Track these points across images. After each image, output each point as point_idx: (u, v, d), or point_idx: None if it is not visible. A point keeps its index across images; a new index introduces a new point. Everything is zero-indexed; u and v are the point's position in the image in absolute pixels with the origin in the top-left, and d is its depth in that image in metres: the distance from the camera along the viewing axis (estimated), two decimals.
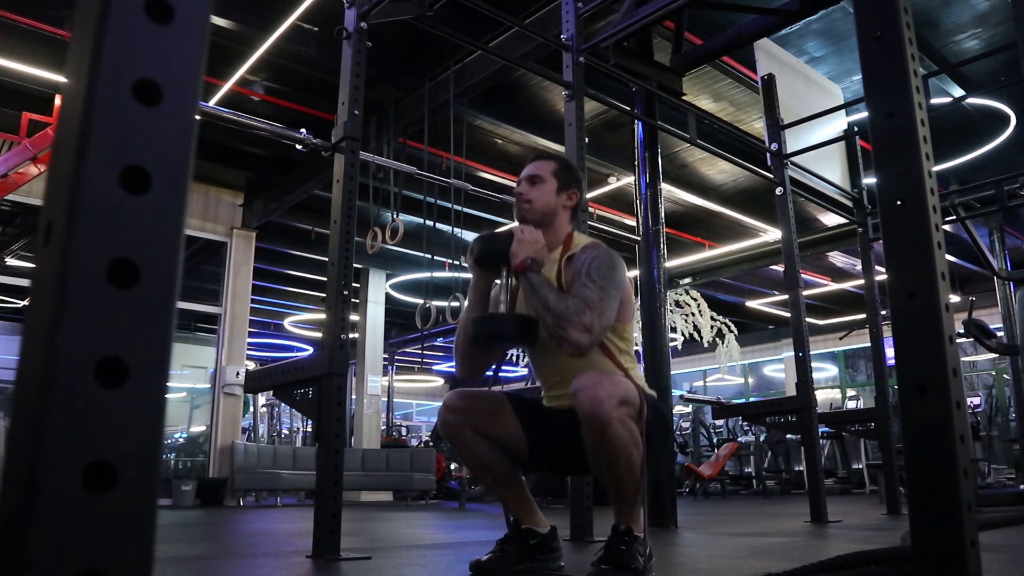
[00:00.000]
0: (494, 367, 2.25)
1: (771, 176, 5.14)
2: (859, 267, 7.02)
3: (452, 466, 10.57)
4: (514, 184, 2.23)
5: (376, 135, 6.83)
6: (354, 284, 5.48)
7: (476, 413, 2.05)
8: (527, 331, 1.97)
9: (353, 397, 11.03)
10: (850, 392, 14.56)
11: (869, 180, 6.11)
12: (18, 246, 8.86)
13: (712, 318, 11.12)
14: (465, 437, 2.04)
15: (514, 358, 11.48)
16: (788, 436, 10.45)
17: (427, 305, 6.17)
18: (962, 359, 11.55)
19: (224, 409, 8.59)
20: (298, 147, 3.36)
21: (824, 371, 15.43)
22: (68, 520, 0.43)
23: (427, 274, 6.88)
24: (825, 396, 13.72)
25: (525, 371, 12.33)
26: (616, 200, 8.92)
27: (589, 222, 4.07)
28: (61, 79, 5.76)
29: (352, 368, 10.89)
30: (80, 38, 0.50)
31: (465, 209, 6.40)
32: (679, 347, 11.15)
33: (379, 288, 11.37)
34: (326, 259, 2.96)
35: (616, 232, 5.66)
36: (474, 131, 7.33)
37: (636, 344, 5.99)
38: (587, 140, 3.90)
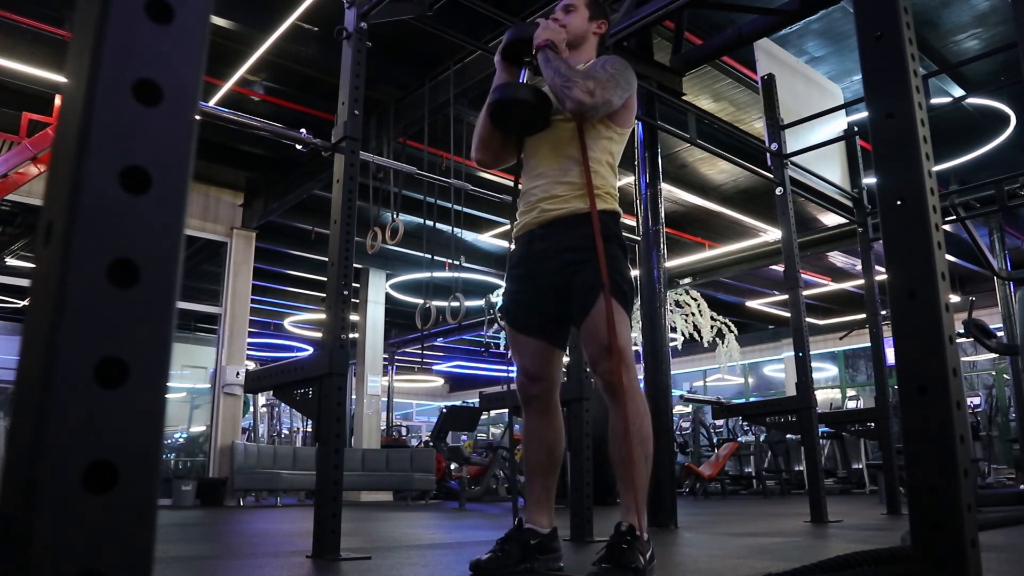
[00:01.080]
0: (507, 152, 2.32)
1: (771, 176, 5.14)
2: (859, 267, 7.02)
3: (452, 466, 10.57)
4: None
5: (376, 135, 6.83)
6: (354, 284, 5.47)
7: (548, 372, 2.17)
8: (540, 102, 2.12)
9: (353, 397, 11.02)
10: (850, 392, 14.55)
11: (869, 180, 6.11)
12: (18, 246, 8.86)
13: (712, 318, 11.12)
14: (551, 404, 2.19)
15: (507, 357, 11.46)
16: (788, 436, 10.44)
17: (427, 305, 6.17)
18: (962, 359, 11.55)
19: (224, 409, 8.59)
20: (298, 147, 3.35)
21: (824, 371, 15.43)
22: (68, 520, 0.43)
23: (427, 274, 6.88)
24: (825, 396, 13.72)
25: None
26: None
27: None
28: (61, 79, 5.76)
29: (352, 368, 10.89)
30: (80, 38, 0.50)
31: (465, 209, 6.40)
32: (679, 347, 11.16)
33: (379, 288, 11.37)
34: (326, 259, 2.96)
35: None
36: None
37: (636, 344, 6.00)
38: None
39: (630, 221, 4.98)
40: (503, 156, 2.34)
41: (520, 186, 2.26)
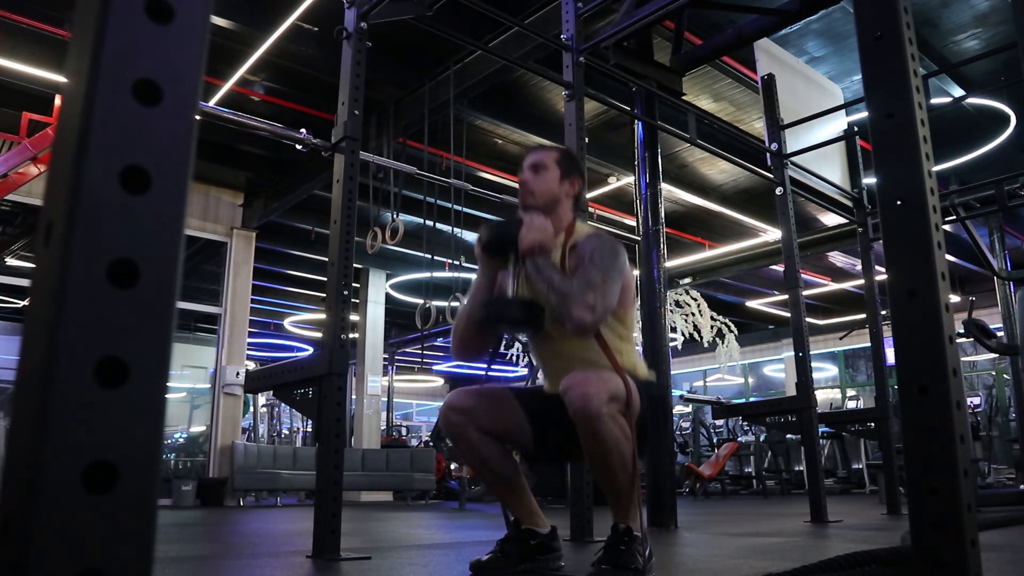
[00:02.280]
0: (488, 357, 2.24)
1: (771, 176, 5.14)
2: (859, 267, 7.02)
3: (452, 466, 10.57)
4: (513, 184, 2.25)
5: (376, 135, 6.83)
6: (354, 284, 5.47)
7: (481, 410, 2.05)
8: (532, 315, 1.99)
9: (353, 397, 11.02)
10: (850, 392, 14.55)
11: (869, 180, 6.11)
12: (18, 246, 8.86)
13: (712, 318, 11.12)
14: (470, 437, 2.04)
15: (514, 358, 11.49)
16: (788, 436, 10.44)
17: (427, 305, 6.17)
18: (962, 359, 11.55)
19: (224, 409, 8.59)
20: (298, 147, 3.35)
21: (824, 371, 15.43)
22: (68, 520, 0.43)
23: (427, 274, 6.88)
24: (825, 396, 13.72)
25: (525, 371, 12.33)
26: (616, 200, 8.92)
27: (589, 222, 4.07)
28: (61, 79, 5.76)
29: (352, 368, 10.89)
30: (80, 38, 0.50)
31: (465, 209, 6.40)
32: (679, 347, 11.15)
33: (379, 288, 11.37)
34: (326, 259, 2.96)
35: (616, 232, 5.66)
36: (474, 131, 7.33)
37: (636, 344, 5.99)
38: (587, 140, 3.89)
39: (630, 221, 4.98)
40: (487, 347, 2.24)
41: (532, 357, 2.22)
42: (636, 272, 4.77)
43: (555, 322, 1.97)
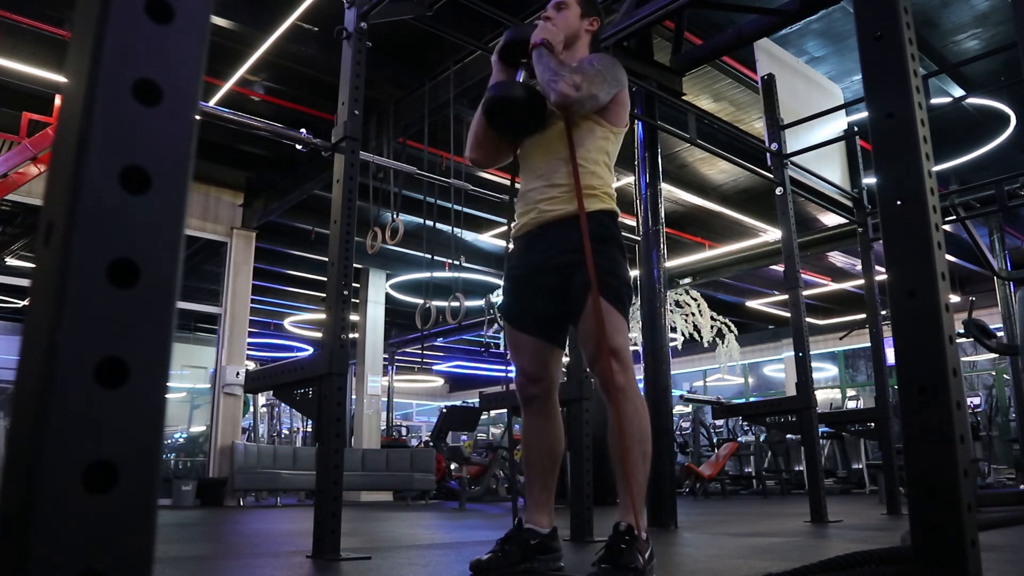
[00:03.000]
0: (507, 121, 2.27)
1: (771, 176, 5.14)
2: (859, 267, 7.02)
3: (452, 466, 10.57)
4: (511, 183, 2.28)
5: (376, 135, 6.83)
6: (354, 284, 5.47)
7: (548, 372, 2.17)
8: (534, 100, 2.12)
9: (353, 397, 11.02)
10: (850, 392, 14.55)
11: (869, 180, 6.11)
12: (18, 246, 8.86)
13: (712, 318, 11.12)
14: (549, 408, 2.17)
15: (507, 358, 11.46)
16: (788, 436, 10.44)
17: (427, 305, 6.17)
18: (962, 359, 11.55)
19: (224, 409, 8.59)
20: (298, 147, 3.35)
21: (824, 371, 15.43)
22: (68, 520, 0.43)
23: (427, 274, 6.88)
24: (825, 396, 13.71)
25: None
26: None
27: None
28: (61, 79, 5.76)
29: (352, 368, 10.89)
30: (80, 38, 0.50)
31: (465, 209, 6.40)
32: (679, 347, 11.15)
33: (379, 288, 11.37)
34: (326, 259, 2.96)
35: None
36: None
37: (636, 344, 6.00)
38: None
39: (630, 221, 4.98)
40: (498, 156, 2.34)
41: (518, 185, 2.26)
42: (636, 272, 4.78)
43: (550, 112, 2.13)
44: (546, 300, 2.14)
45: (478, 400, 4.22)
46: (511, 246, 2.29)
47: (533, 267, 2.15)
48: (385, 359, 13.26)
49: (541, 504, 2.13)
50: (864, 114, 3.50)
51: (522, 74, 2.22)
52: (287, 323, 14.55)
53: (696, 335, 11.04)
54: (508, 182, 2.41)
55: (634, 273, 4.76)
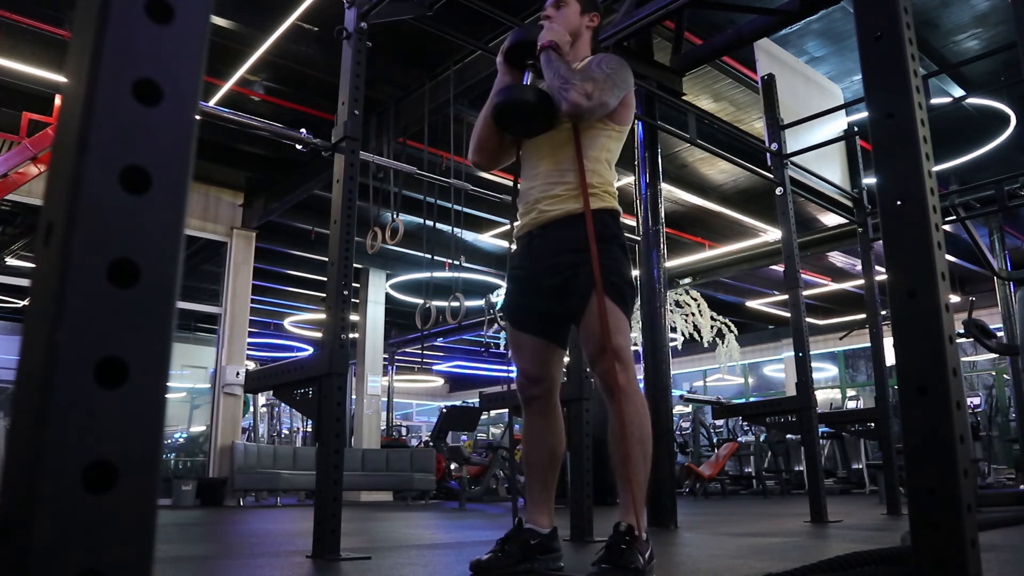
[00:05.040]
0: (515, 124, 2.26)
1: (771, 176, 5.14)
2: (859, 267, 7.02)
3: (452, 466, 10.57)
4: (513, 184, 2.27)
5: (376, 135, 6.83)
6: (354, 284, 5.47)
7: (549, 372, 2.18)
8: (544, 104, 2.10)
9: (353, 397, 11.02)
10: (850, 392, 14.55)
11: (869, 180, 6.11)
12: (18, 246, 8.86)
13: (712, 318, 11.12)
14: (552, 404, 2.18)
15: (507, 358, 11.46)
16: (788, 436, 10.44)
17: (427, 305, 6.17)
18: (962, 359, 11.55)
19: (224, 409, 8.59)
20: (298, 147, 3.35)
21: (824, 371, 15.43)
22: (68, 520, 0.43)
23: (427, 274, 6.88)
24: (825, 396, 13.71)
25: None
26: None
27: None
28: (61, 79, 5.75)
29: (352, 368, 10.89)
30: (80, 38, 0.50)
31: (465, 209, 6.40)
32: (679, 347, 11.15)
33: (379, 288, 11.36)
34: (326, 259, 2.96)
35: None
36: None
37: (636, 344, 6.00)
38: None
39: (630, 221, 4.98)
40: (500, 158, 2.34)
41: (520, 186, 2.26)
42: (636, 272, 4.78)
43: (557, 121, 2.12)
44: (547, 300, 2.14)
45: (478, 400, 4.22)
46: (514, 247, 2.30)
47: (534, 267, 2.15)
48: (385, 359, 13.26)
49: (541, 504, 2.14)
50: (864, 114, 3.50)
51: (529, 76, 2.21)
52: (287, 323, 14.55)
53: (696, 335, 11.04)
54: (508, 182, 2.41)
55: (634, 273, 4.76)
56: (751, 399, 15.04)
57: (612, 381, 1.96)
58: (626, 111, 2.20)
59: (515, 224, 2.28)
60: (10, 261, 9.02)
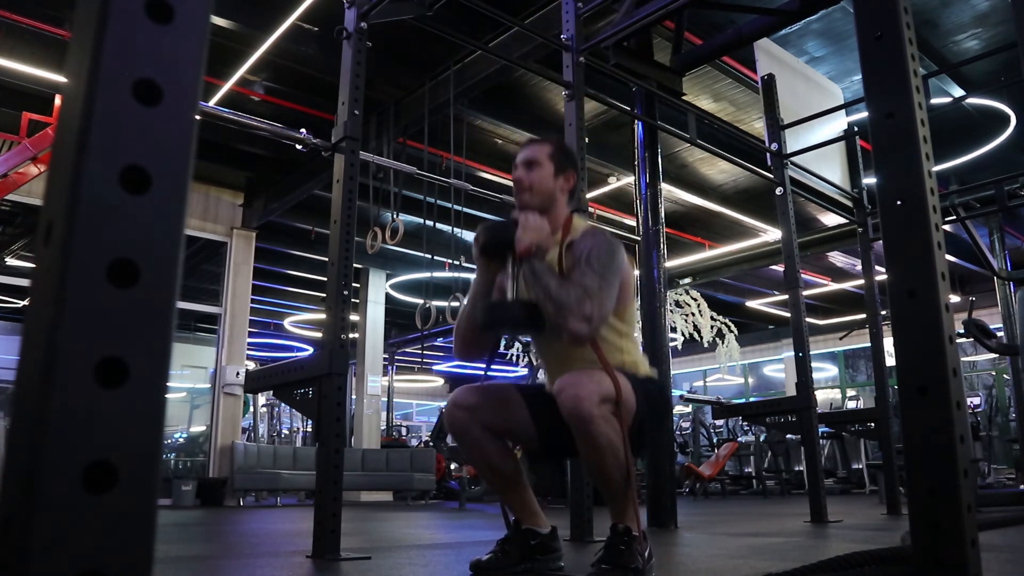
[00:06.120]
0: (488, 357, 2.24)
1: (771, 176, 5.14)
2: (859, 267, 7.02)
3: (452, 466, 10.57)
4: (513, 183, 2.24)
5: (376, 135, 6.83)
6: (354, 284, 5.47)
7: (486, 407, 2.05)
8: (533, 318, 1.97)
9: (353, 397, 11.03)
10: (850, 392, 14.55)
11: (869, 180, 6.10)
12: (18, 246, 8.86)
13: (712, 318, 11.12)
14: (473, 434, 2.04)
15: (513, 358, 11.48)
16: (788, 436, 10.44)
17: (427, 305, 6.17)
18: (962, 359, 11.55)
19: (224, 409, 8.59)
20: (298, 147, 3.35)
21: (824, 371, 15.43)
22: (68, 520, 0.43)
23: (427, 274, 6.88)
24: (825, 396, 13.72)
25: (525, 371, 12.33)
26: (616, 200, 8.92)
27: (588, 222, 4.06)
28: (61, 79, 5.76)
29: (352, 368, 10.89)
30: (80, 38, 0.50)
31: (465, 209, 6.40)
32: (679, 347, 11.15)
33: (379, 288, 11.37)
34: (326, 259, 2.96)
35: (616, 232, 5.66)
36: (474, 131, 7.33)
37: (637, 340, 5.97)
38: (587, 140, 3.89)
39: (630, 221, 4.98)
40: (490, 346, 2.23)
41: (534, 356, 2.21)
42: (636, 273, 4.77)
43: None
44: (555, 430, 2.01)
45: None
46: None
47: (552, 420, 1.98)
48: (385, 359, 13.26)
49: (527, 511, 2.11)
50: (864, 114, 3.51)
51: (509, 273, 2.04)
52: (287, 323, 14.55)
53: (696, 335, 11.04)
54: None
55: (634, 273, 4.76)
56: (751, 399, 15.05)
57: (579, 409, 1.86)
58: (625, 291, 2.05)
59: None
60: (10, 261, 9.02)
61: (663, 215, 4.77)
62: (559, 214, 2.12)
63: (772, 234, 9.35)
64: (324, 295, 2.99)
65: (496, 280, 2.14)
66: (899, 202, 1.14)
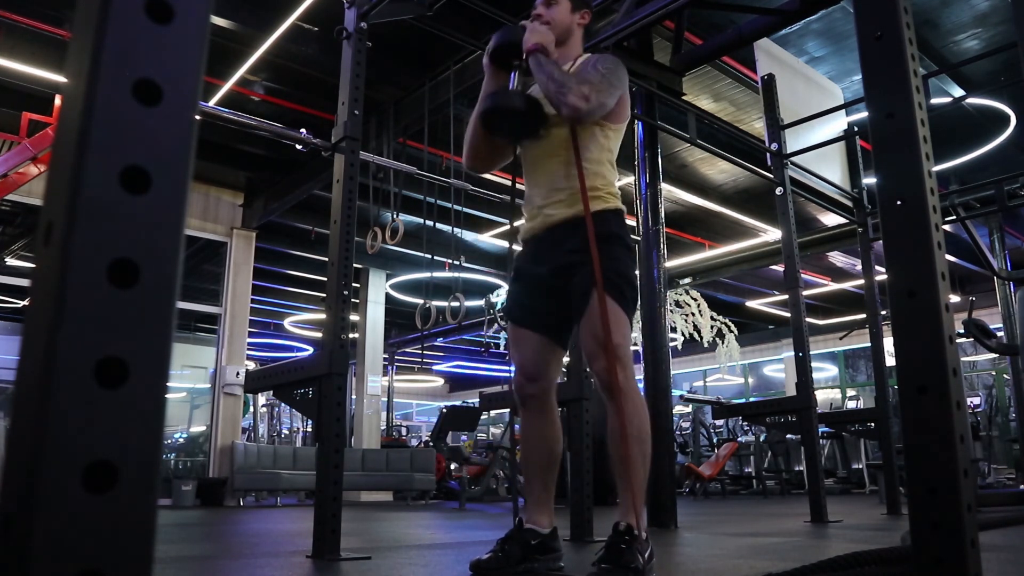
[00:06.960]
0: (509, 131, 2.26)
1: (771, 176, 5.14)
2: (859, 267, 7.02)
3: (452, 466, 10.57)
4: (512, 183, 2.27)
5: (376, 135, 6.83)
6: (354, 284, 5.47)
7: (547, 371, 2.17)
8: (533, 109, 2.08)
9: (353, 397, 11.02)
10: (850, 392, 14.55)
11: (869, 180, 6.11)
12: (18, 246, 8.86)
13: (712, 318, 11.13)
14: (548, 404, 2.18)
15: (507, 358, 11.46)
16: (788, 436, 10.44)
17: (427, 305, 6.17)
18: (962, 359, 11.55)
19: (224, 409, 8.59)
20: (298, 147, 3.35)
21: (824, 371, 15.43)
22: (68, 520, 0.43)
23: (427, 274, 6.88)
24: (825, 396, 13.71)
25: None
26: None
27: None
28: (61, 79, 5.75)
29: (352, 368, 10.89)
30: (80, 38, 0.50)
31: (465, 209, 6.40)
32: (679, 347, 11.15)
33: (379, 288, 11.37)
34: (326, 259, 2.96)
35: None
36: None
37: (635, 344, 6.00)
38: None
39: (630, 221, 4.98)
40: (496, 161, 2.34)
41: (521, 186, 2.26)
42: (636, 273, 4.77)
43: (550, 118, 2.10)
44: (549, 300, 2.15)
45: (478, 400, 4.22)
46: (517, 247, 2.30)
47: (537, 268, 2.16)
48: (385, 359, 13.26)
49: (541, 504, 2.14)
50: (864, 114, 3.50)
51: (516, 76, 2.18)
52: (287, 323, 14.55)
53: (696, 335, 11.04)
54: (508, 182, 2.40)
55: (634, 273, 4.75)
56: (751, 399, 15.04)
57: (611, 380, 1.96)
58: (622, 109, 2.18)
59: (521, 226, 2.28)
60: (10, 261, 9.02)
61: (663, 215, 4.77)
62: (574, 48, 2.27)
63: (772, 234, 9.35)
64: (324, 295, 2.99)
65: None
66: (899, 202, 1.14)
